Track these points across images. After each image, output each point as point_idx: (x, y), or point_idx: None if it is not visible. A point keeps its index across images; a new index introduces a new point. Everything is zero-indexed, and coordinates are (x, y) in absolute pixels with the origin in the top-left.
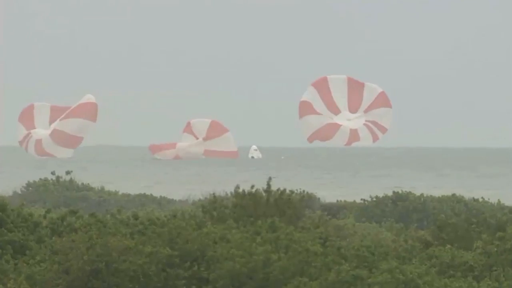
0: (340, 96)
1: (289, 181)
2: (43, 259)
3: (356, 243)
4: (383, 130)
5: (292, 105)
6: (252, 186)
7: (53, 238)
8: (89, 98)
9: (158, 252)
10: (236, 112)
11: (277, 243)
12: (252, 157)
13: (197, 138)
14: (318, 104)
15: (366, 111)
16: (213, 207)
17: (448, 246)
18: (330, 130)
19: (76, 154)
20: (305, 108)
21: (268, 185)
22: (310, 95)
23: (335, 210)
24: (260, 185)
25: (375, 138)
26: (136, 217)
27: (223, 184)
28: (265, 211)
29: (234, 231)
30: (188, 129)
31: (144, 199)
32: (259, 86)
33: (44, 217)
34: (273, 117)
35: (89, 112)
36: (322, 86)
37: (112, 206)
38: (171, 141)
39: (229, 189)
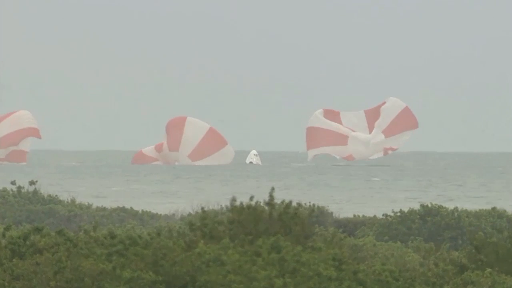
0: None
1: (295, 192)
2: (1, 286)
3: (377, 267)
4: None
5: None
6: (251, 198)
7: (14, 260)
8: (28, 121)
9: (139, 277)
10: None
11: (282, 266)
12: (251, 162)
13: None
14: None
15: (387, 134)
16: (204, 223)
17: (488, 270)
18: (340, 139)
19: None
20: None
21: (271, 196)
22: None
23: (352, 226)
24: (261, 197)
25: (385, 153)
26: (113, 235)
27: (217, 195)
28: (268, 227)
29: (231, 251)
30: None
31: (123, 214)
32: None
33: (3, 235)
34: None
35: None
36: (333, 117)
37: (85, 222)
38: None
39: (224, 201)
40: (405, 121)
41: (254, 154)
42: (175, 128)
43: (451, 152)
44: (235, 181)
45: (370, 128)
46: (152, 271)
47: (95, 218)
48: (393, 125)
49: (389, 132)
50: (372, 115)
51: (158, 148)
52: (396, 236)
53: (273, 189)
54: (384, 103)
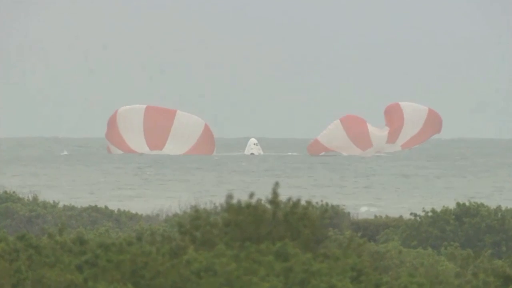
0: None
1: (304, 187)
2: None
3: (403, 278)
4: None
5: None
6: (251, 195)
7: None
8: None
9: None
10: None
11: (288, 276)
12: (252, 153)
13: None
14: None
15: (405, 145)
16: (195, 225)
17: None
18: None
19: None
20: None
21: (275, 193)
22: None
23: (373, 229)
24: (263, 194)
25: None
26: (83, 240)
27: (210, 191)
28: (271, 231)
29: (226, 259)
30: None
31: (95, 214)
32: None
33: None
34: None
35: None
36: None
37: (50, 224)
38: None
39: (219, 199)
40: (432, 127)
41: (254, 144)
42: None
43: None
44: (232, 175)
45: (390, 138)
46: (131, 283)
47: (61, 219)
48: (420, 135)
49: (413, 142)
50: (390, 123)
51: None
52: (426, 241)
53: (277, 184)
54: (400, 108)
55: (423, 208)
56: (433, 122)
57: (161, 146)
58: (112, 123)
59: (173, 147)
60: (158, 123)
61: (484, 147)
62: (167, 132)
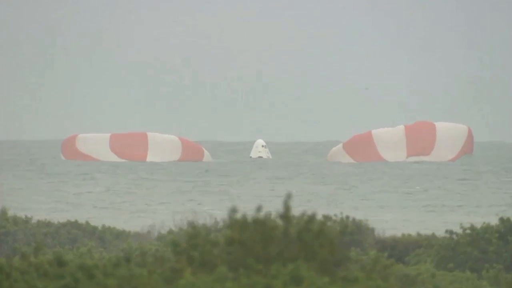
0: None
1: (320, 198)
2: None
3: None
4: None
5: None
6: (259, 209)
7: None
8: None
9: None
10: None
11: None
12: (260, 157)
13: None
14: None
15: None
16: (193, 244)
17: None
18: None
19: None
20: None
21: (287, 206)
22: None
23: (402, 249)
24: (273, 206)
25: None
26: (61, 262)
27: (211, 203)
28: (282, 250)
29: (230, 284)
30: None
31: (75, 231)
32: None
33: None
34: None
35: None
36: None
37: (22, 243)
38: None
39: (221, 213)
40: (468, 147)
41: (262, 146)
42: None
43: None
44: (240, 183)
45: (409, 150)
46: None
47: (36, 237)
48: (456, 152)
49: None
50: (413, 135)
51: None
52: (464, 263)
53: (289, 196)
54: (432, 126)
55: (461, 224)
56: (470, 143)
57: (144, 156)
58: (71, 146)
59: (156, 157)
60: (129, 144)
61: None
62: (145, 146)
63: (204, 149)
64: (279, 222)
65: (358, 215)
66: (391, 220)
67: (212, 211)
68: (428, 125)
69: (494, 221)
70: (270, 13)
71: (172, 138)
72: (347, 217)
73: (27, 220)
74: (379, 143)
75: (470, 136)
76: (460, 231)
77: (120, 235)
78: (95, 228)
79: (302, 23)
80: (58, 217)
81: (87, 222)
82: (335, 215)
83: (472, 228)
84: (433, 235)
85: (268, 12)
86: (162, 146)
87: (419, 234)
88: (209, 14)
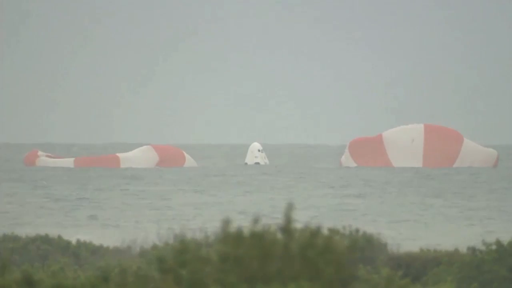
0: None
1: (325, 208)
2: None
3: None
4: None
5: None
6: (256, 220)
7: None
8: None
9: None
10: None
11: None
12: (257, 163)
13: None
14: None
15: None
16: (181, 261)
17: None
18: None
19: None
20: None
21: (288, 218)
22: None
23: (419, 266)
24: (272, 217)
25: None
26: (31, 282)
27: (200, 215)
28: (283, 268)
29: None
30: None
31: (45, 247)
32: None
33: None
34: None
35: None
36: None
37: None
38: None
39: (211, 225)
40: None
41: (259, 150)
42: None
43: None
44: (232, 191)
45: (425, 155)
46: None
47: (1, 254)
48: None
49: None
50: (433, 140)
51: None
52: (490, 283)
53: (290, 206)
54: (461, 139)
55: (483, 240)
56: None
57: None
58: (31, 163)
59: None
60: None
61: None
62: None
63: (185, 153)
64: (279, 236)
65: (369, 229)
66: (406, 233)
67: (202, 224)
68: (455, 135)
69: None
70: (270, 13)
71: (143, 149)
72: (357, 230)
73: None
74: (389, 146)
75: (496, 162)
76: (483, 247)
77: (97, 251)
78: (68, 243)
79: (303, 23)
80: (25, 231)
81: (59, 236)
82: (343, 228)
83: (498, 243)
84: (456, 250)
85: (268, 12)
86: (136, 161)
87: (437, 250)
88: (209, 15)
